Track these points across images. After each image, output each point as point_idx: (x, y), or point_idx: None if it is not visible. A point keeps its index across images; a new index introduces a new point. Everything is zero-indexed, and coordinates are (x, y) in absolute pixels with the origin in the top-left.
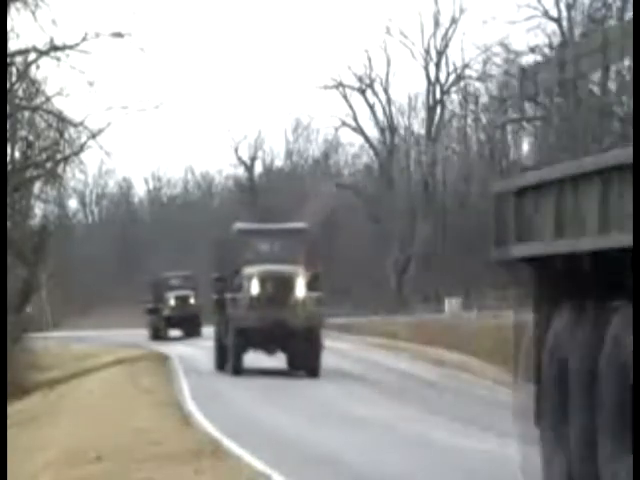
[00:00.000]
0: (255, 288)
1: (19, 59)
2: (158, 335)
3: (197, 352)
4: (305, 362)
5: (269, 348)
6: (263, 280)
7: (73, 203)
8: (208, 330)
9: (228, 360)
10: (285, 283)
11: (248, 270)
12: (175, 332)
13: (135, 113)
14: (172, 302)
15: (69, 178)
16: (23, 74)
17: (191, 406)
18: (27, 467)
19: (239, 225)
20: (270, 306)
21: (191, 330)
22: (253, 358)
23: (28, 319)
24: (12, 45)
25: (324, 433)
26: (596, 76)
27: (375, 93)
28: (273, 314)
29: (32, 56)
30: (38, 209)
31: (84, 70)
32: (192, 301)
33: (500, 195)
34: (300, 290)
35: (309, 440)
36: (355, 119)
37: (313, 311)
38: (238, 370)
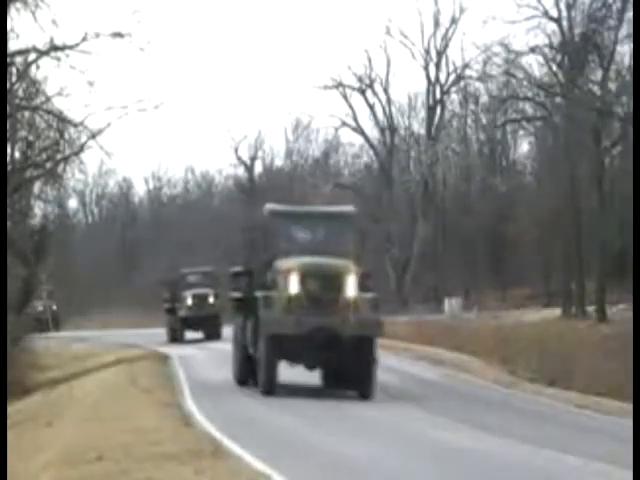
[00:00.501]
0: (294, 286)
1: (19, 59)
2: (175, 337)
3: (198, 352)
4: (355, 380)
5: (309, 361)
6: (305, 276)
7: (73, 203)
8: (227, 331)
9: (257, 374)
10: (333, 280)
11: (285, 263)
12: (193, 334)
13: (135, 113)
14: (189, 301)
15: (69, 178)
16: (23, 74)
17: (191, 406)
18: (27, 467)
19: (271, 206)
20: (313, 309)
21: (211, 332)
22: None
23: (53, 316)
24: (12, 45)
25: (324, 433)
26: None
27: (375, 93)
28: (317, 319)
29: (32, 56)
30: (38, 209)
31: (84, 70)
32: (212, 300)
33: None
34: (351, 290)
35: (309, 439)
36: (355, 119)
37: (367, 316)
38: (271, 387)
